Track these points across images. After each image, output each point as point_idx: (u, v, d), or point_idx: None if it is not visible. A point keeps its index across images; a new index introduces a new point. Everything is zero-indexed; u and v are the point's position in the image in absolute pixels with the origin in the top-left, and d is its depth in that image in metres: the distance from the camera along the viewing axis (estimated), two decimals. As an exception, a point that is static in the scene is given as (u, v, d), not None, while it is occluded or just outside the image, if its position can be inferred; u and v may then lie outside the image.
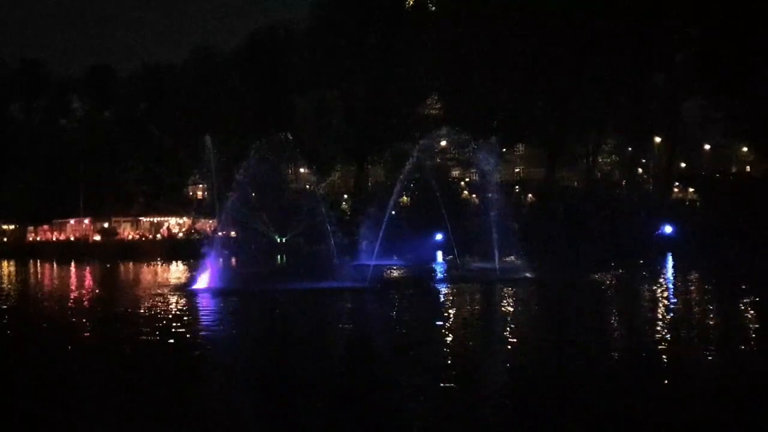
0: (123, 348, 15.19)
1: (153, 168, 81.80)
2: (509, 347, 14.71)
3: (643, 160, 68.92)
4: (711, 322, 18.01)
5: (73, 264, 51.95)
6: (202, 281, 27.89)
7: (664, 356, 13.54)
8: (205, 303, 23.45)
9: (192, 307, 22.12)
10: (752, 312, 19.35)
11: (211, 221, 52.25)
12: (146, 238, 75.18)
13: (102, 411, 10.22)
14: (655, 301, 21.93)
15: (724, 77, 50.53)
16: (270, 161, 42.73)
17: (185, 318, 19.52)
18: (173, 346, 15.20)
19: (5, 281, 37.36)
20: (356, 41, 62.07)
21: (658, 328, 16.79)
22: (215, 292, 25.79)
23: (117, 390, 11.40)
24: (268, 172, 43.98)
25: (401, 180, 32.26)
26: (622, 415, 9.77)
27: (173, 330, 17.19)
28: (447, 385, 11.23)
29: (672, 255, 41.52)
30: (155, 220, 79.18)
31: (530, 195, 68.93)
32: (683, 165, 68.16)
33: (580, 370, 12.44)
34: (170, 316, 19.70)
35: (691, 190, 67.44)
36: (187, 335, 16.66)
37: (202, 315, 20.68)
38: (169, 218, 79.01)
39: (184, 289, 27.57)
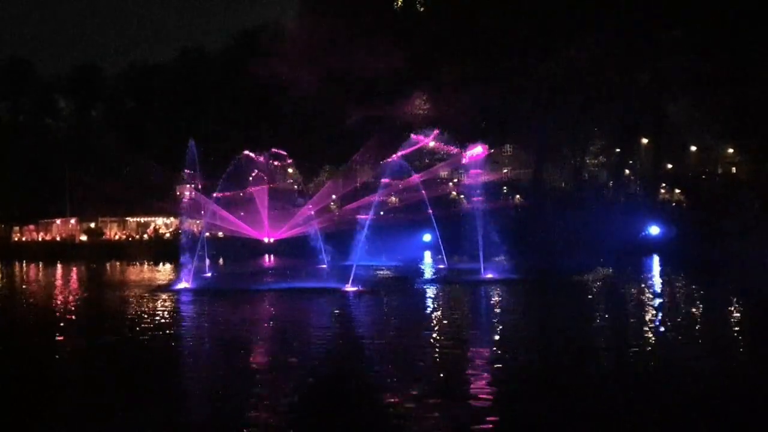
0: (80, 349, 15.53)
1: (140, 168, 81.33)
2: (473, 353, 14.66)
3: (630, 162, 69.16)
4: (694, 323, 18.08)
5: (59, 265, 51.56)
6: (183, 282, 28.13)
7: (646, 356, 13.58)
8: (179, 304, 23.58)
9: (165, 308, 22.27)
10: (737, 313, 19.46)
11: (198, 222, 52.05)
12: (133, 238, 74.73)
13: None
14: (638, 302, 22.02)
15: (709, 79, 50.79)
16: (257, 161, 42.80)
17: (156, 319, 19.76)
18: (136, 346, 15.60)
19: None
20: (344, 41, 61.94)
21: (641, 328, 16.84)
22: (193, 293, 26.07)
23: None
24: (256, 172, 44.09)
25: (386, 177, 32.38)
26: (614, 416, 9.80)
27: (140, 330, 17.48)
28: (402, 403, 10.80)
29: (658, 256, 41.74)
30: (142, 220, 78.74)
31: (518, 196, 69.09)
32: (670, 166, 68.44)
33: (563, 372, 12.45)
34: (144, 317, 19.88)
35: (677, 191, 67.75)
36: (152, 335, 16.96)
37: (172, 316, 20.82)
38: (156, 218, 78.63)
39: (165, 289, 27.68)
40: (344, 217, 55.29)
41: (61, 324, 19.53)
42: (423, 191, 40.71)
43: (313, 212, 48.10)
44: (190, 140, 36.43)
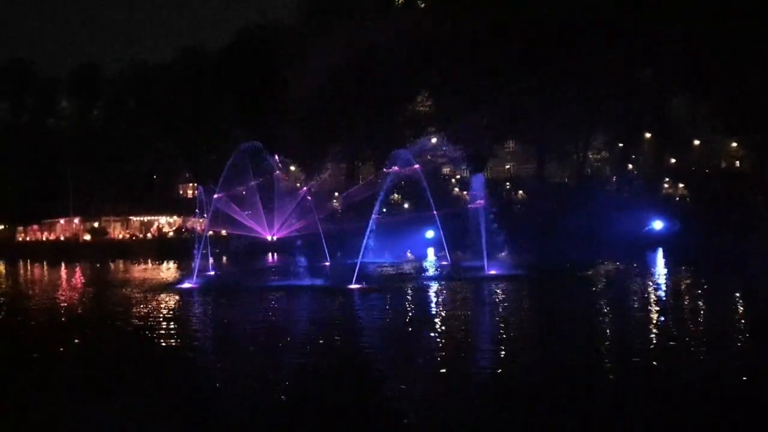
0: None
1: (143, 166, 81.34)
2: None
3: (633, 156, 69.02)
4: (698, 319, 18.03)
5: (63, 264, 51.62)
6: (187, 281, 28.27)
7: (649, 354, 13.53)
8: (183, 303, 23.71)
9: (169, 307, 22.41)
10: (741, 308, 19.38)
11: (201, 220, 52.09)
12: (136, 237, 74.76)
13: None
14: (643, 298, 21.94)
15: (710, 73, 50.63)
16: (258, 160, 42.80)
17: (159, 317, 19.89)
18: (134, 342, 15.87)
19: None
20: (345, 39, 61.87)
21: (645, 325, 16.78)
22: (197, 291, 26.39)
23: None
24: (256, 170, 44.14)
25: (388, 175, 32.38)
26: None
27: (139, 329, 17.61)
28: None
29: (662, 250, 41.62)
30: (145, 219, 78.74)
31: (521, 191, 69.04)
32: (673, 160, 68.28)
33: (568, 371, 12.41)
34: (149, 316, 20.06)
35: (681, 185, 67.59)
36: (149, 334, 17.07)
37: (176, 314, 20.93)
38: (160, 217, 78.63)
39: (169, 288, 27.82)
40: (346, 210, 55.37)
41: (68, 322, 19.59)
42: (425, 187, 40.56)
43: (314, 210, 48.05)
44: (199, 187, 36.68)
